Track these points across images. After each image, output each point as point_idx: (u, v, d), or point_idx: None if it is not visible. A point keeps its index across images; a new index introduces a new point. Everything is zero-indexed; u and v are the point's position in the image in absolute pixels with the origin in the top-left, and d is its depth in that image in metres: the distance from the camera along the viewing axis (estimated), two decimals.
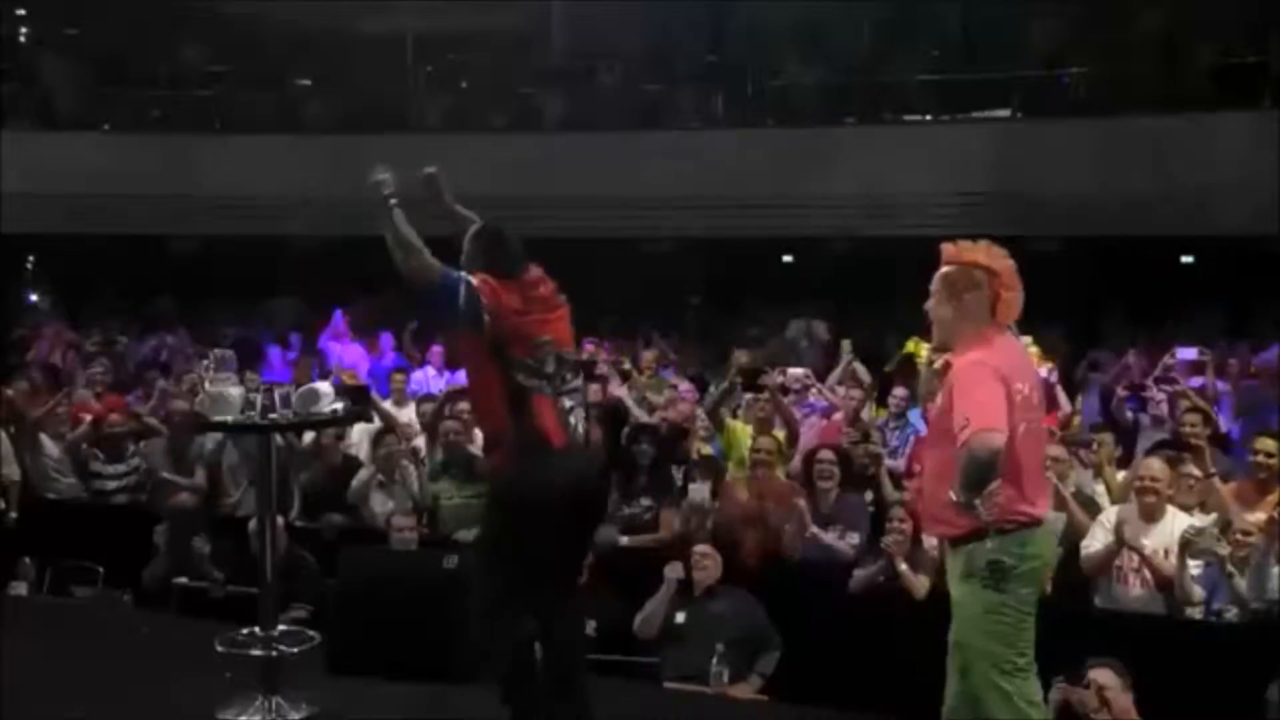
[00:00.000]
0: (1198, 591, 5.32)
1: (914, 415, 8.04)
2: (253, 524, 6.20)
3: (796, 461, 7.06)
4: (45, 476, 7.73)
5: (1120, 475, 6.69)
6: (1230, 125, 13.07)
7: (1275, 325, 10.60)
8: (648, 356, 10.54)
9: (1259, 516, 5.52)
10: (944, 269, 3.94)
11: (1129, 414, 8.20)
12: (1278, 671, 4.77)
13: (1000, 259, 3.88)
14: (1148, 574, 5.46)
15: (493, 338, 4.09)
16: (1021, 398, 3.74)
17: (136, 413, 8.33)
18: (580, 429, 4.24)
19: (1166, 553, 5.42)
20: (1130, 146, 13.38)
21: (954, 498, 3.61)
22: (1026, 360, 4.05)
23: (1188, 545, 5.26)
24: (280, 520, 5.65)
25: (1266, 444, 6.06)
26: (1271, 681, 4.76)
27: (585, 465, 4.28)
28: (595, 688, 4.35)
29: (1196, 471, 6.05)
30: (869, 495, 6.76)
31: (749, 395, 8.06)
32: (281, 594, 5.09)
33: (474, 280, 4.15)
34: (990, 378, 3.68)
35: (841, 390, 8.54)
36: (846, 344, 9.28)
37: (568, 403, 4.18)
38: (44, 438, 7.77)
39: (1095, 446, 7.00)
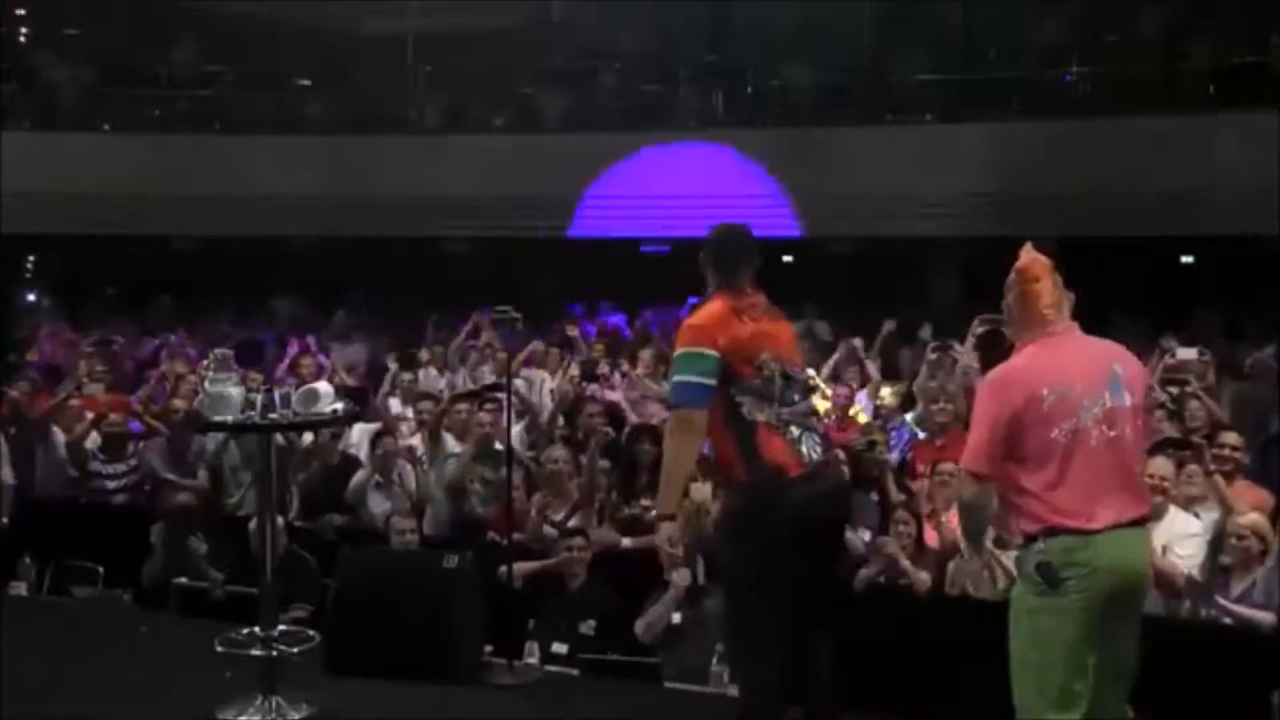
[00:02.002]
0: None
1: (905, 417, 8.05)
2: (253, 524, 6.24)
3: None
4: (60, 471, 7.73)
5: None
6: (1230, 125, 13.06)
7: (1275, 325, 10.60)
8: (647, 356, 10.51)
9: (1253, 518, 5.51)
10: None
11: None
12: None
13: (1026, 254, 3.89)
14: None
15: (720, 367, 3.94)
16: (1050, 405, 3.61)
17: (136, 412, 8.33)
18: (815, 454, 4.00)
19: (1165, 550, 5.43)
20: (1130, 146, 13.37)
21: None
22: (1078, 358, 3.75)
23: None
24: (279, 520, 5.65)
25: (1230, 438, 6.19)
26: (1277, 686, 4.74)
27: (819, 488, 4.01)
28: (595, 688, 4.35)
29: (1199, 469, 6.05)
30: (874, 496, 6.77)
31: None
32: (281, 594, 5.09)
33: (699, 359, 3.94)
34: (988, 402, 3.71)
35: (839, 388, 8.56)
36: (859, 342, 9.29)
37: (795, 431, 3.97)
38: (56, 431, 7.79)
39: None
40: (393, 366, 9.69)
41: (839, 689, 4.23)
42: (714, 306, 4.10)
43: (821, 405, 8.28)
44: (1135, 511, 3.70)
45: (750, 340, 4.00)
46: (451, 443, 7.53)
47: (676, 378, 3.99)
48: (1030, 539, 3.66)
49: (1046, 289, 3.83)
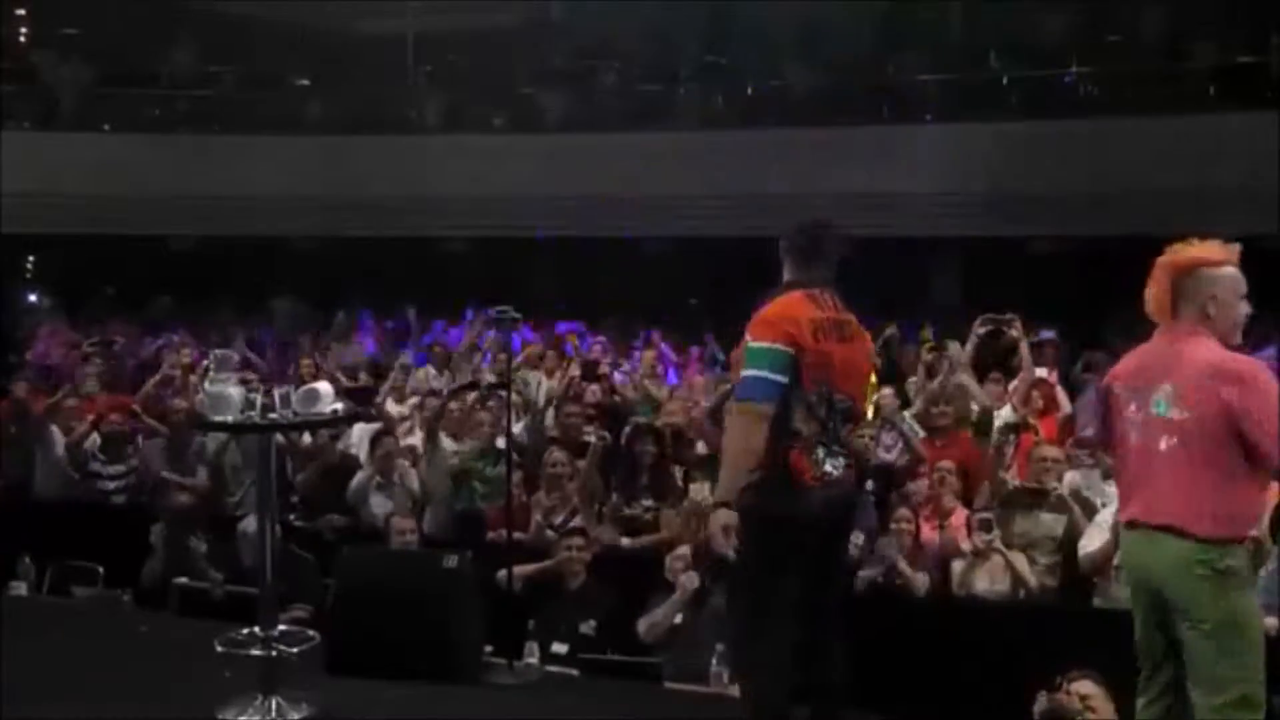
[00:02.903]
0: None
1: (907, 415, 8.05)
2: (243, 524, 6.24)
3: None
4: (59, 471, 7.74)
5: None
6: (1230, 125, 13.07)
7: (1275, 325, 10.60)
8: (647, 356, 10.53)
9: None
10: (1230, 269, 3.93)
11: None
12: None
13: (1167, 255, 3.90)
14: None
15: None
16: (1121, 401, 3.80)
17: (136, 412, 8.33)
18: (836, 471, 3.93)
19: None
20: (1130, 146, 13.38)
21: None
22: (1159, 361, 3.79)
23: None
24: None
25: None
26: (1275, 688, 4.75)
27: (833, 494, 3.96)
28: (595, 688, 4.35)
29: None
30: (869, 484, 6.77)
31: None
32: (281, 594, 5.08)
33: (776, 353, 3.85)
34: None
35: None
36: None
37: (821, 453, 3.88)
38: (55, 431, 7.79)
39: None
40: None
41: (847, 692, 4.22)
42: (791, 300, 4.01)
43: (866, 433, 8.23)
44: (1164, 517, 3.68)
45: (819, 351, 3.91)
46: (448, 442, 7.53)
47: (748, 371, 3.89)
48: None
49: (1151, 293, 3.87)
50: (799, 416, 3.88)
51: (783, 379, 3.85)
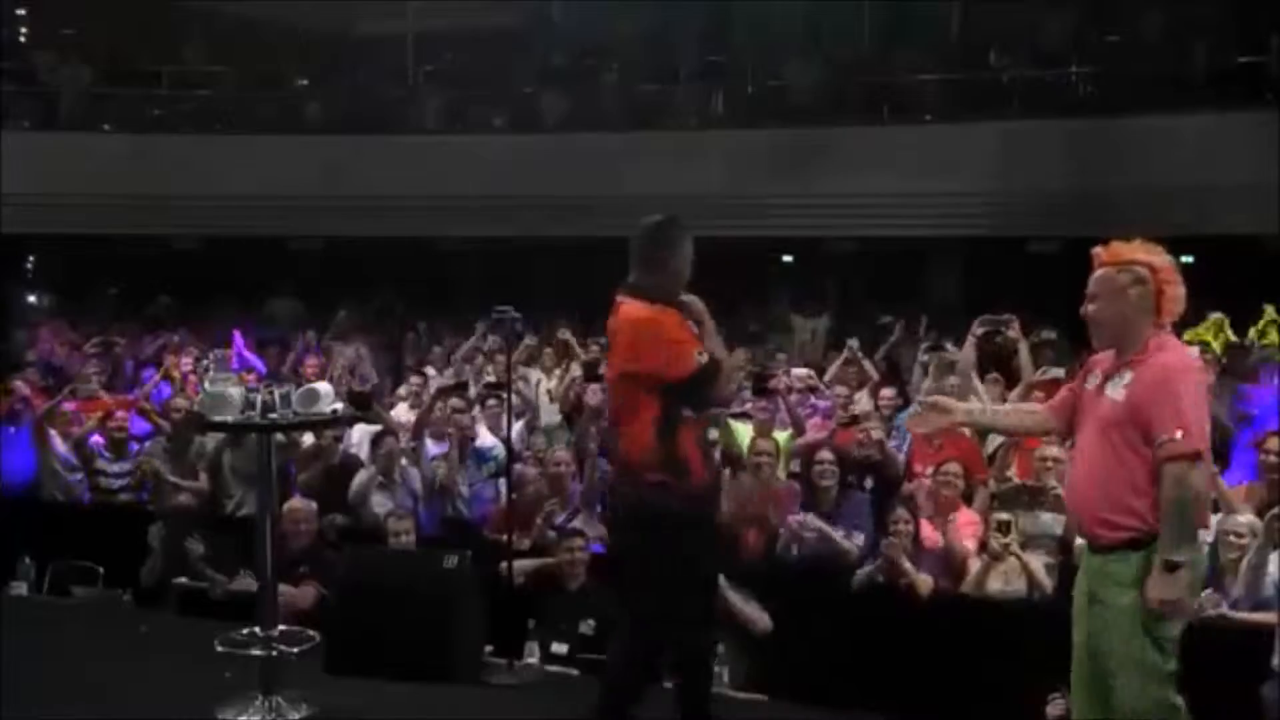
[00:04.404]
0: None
1: (903, 417, 8.05)
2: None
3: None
4: (55, 475, 7.74)
5: None
6: (1230, 125, 13.06)
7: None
8: None
9: (1250, 518, 5.52)
10: (1102, 270, 3.80)
11: None
12: (1272, 669, 4.78)
13: (1159, 254, 3.80)
14: None
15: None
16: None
17: (144, 409, 8.33)
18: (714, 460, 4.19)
19: None
20: (1130, 146, 13.37)
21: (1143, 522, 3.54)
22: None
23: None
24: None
25: (1276, 443, 6.08)
26: (1265, 681, 4.76)
27: (716, 487, 4.30)
28: (595, 688, 4.35)
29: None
30: (869, 483, 6.79)
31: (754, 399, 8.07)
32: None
33: (702, 354, 4.09)
34: (1199, 388, 3.64)
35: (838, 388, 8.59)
36: (854, 342, 9.30)
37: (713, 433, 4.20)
38: (54, 434, 7.80)
39: None
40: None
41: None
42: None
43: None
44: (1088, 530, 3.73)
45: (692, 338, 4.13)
46: (430, 445, 7.53)
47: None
48: (1152, 538, 3.57)
49: (1180, 296, 3.85)
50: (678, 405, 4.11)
51: None
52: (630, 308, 4.18)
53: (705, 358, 4.07)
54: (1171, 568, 3.47)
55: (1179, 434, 3.48)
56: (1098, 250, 3.83)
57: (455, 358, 10.05)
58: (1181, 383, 3.58)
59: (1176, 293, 3.76)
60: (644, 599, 4.14)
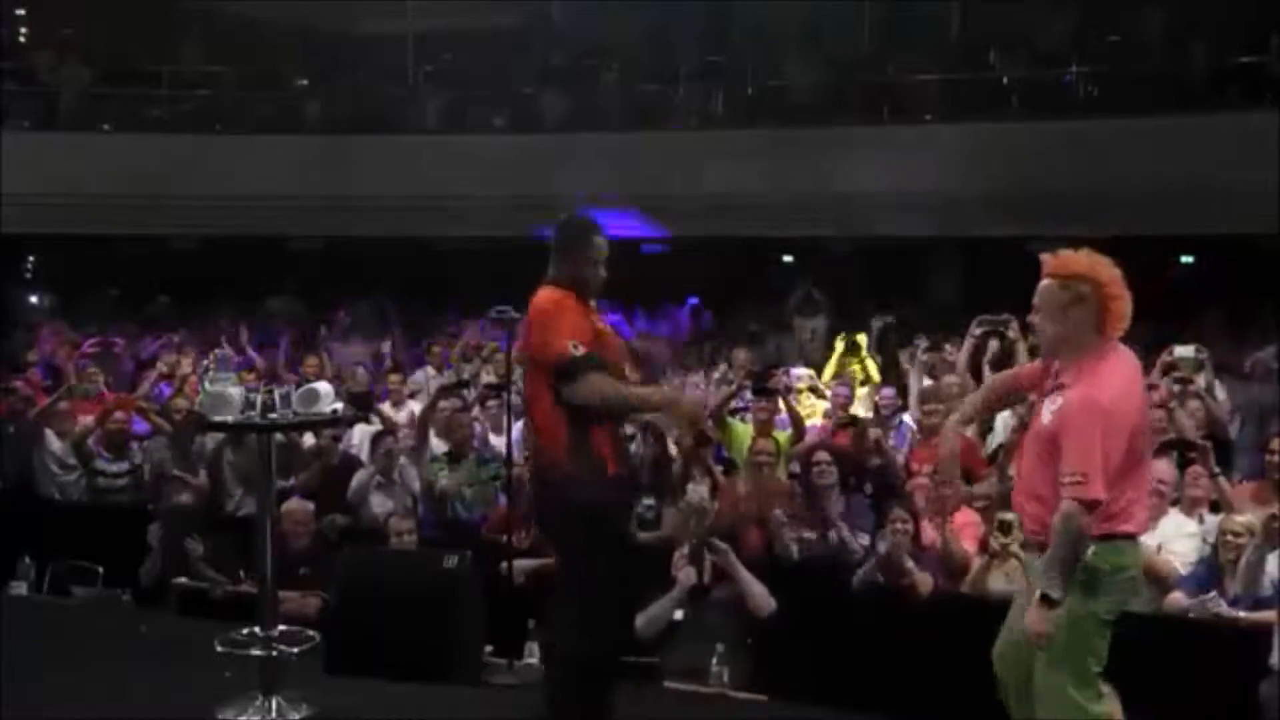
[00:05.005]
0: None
1: (903, 417, 8.06)
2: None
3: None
4: (49, 474, 7.74)
5: None
6: (1230, 125, 13.06)
7: (1275, 325, 10.60)
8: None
9: (1248, 517, 5.53)
10: (1046, 281, 3.76)
11: None
12: (1269, 669, 4.78)
13: (1105, 267, 3.74)
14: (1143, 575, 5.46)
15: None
16: (1124, 419, 3.65)
17: (144, 409, 8.33)
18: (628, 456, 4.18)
19: (1160, 549, 5.45)
20: (1130, 146, 13.37)
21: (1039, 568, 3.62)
22: (1136, 375, 3.86)
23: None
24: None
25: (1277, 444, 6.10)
26: (1263, 679, 4.77)
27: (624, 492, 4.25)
28: None
29: (1204, 471, 6.06)
30: (868, 488, 6.79)
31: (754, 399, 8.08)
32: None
33: (579, 346, 4.03)
34: (1116, 428, 3.58)
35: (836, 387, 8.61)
36: (862, 338, 9.33)
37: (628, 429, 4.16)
38: (49, 434, 7.80)
39: None
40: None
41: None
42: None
43: (820, 406, 8.31)
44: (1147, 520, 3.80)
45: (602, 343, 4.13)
46: (436, 443, 7.53)
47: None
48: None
49: (1125, 309, 3.78)
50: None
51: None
52: (538, 294, 4.24)
53: (580, 351, 3.97)
54: (1049, 603, 3.53)
55: (1080, 478, 3.51)
56: (1046, 257, 3.80)
57: (455, 358, 10.06)
58: (1096, 423, 3.56)
59: (1122, 308, 3.72)
60: (559, 605, 4.12)
